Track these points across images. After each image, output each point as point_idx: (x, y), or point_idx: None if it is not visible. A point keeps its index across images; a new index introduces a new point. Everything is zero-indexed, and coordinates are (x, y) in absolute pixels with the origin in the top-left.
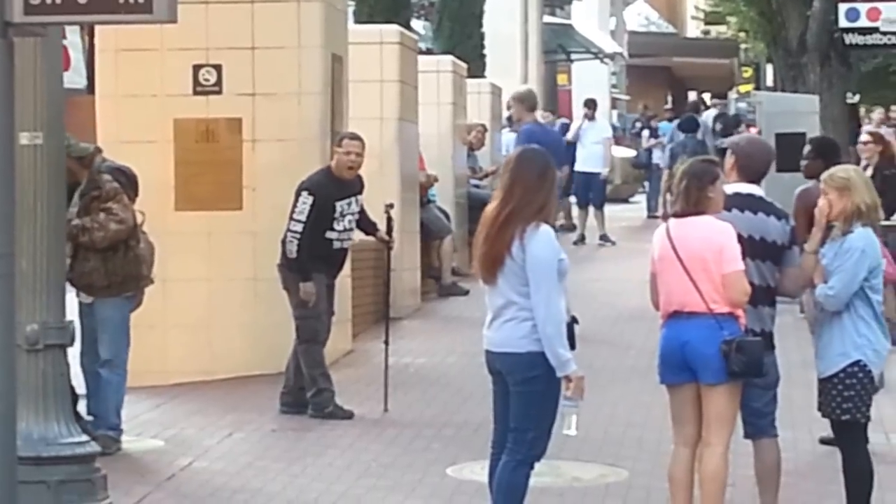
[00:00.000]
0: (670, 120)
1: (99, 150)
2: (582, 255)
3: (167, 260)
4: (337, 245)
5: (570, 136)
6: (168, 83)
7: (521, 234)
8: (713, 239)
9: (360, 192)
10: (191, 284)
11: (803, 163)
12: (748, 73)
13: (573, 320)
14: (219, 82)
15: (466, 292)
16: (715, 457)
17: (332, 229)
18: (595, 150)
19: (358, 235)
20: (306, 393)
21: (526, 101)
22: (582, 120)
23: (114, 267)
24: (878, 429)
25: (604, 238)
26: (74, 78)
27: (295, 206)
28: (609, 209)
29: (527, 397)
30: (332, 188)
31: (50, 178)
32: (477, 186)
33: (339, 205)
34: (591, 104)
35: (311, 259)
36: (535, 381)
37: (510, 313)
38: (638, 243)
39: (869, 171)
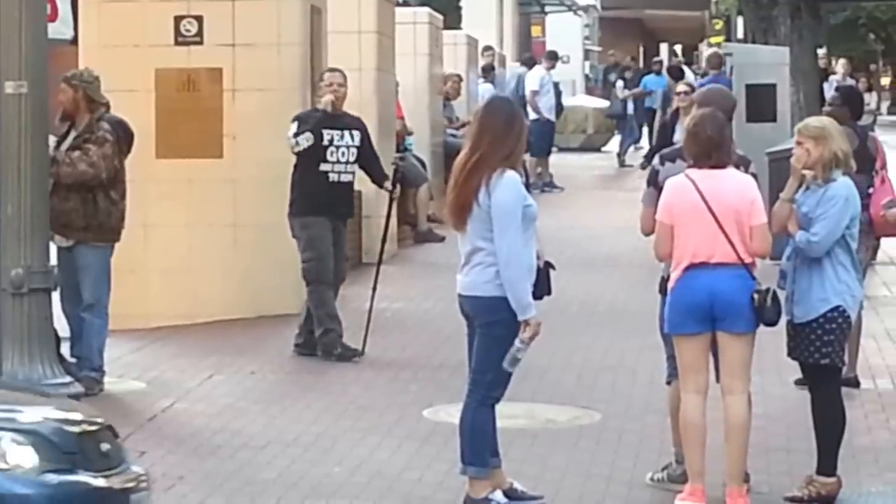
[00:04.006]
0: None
1: (108, 107)
2: (553, 202)
3: (149, 206)
4: (333, 178)
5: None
6: (150, 34)
7: (487, 181)
8: (746, 192)
9: (357, 129)
10: (172, 230)
11: (827, 109)
12: (719, 25)
13: (549, 266)
14: (200, 33)
15: (442, 239)
16: (742, 404)
17: (325, 161)
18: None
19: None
20: (315, 334)
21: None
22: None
23: (93, 210)
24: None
25: (549, 185)
26: (62, 29)
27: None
28: (582, 158)
29: (488, 340)
30: (317, 116)
31: (34, 126)
32: (453, 136)
33: (327, 133)
34: (528, 61)
35: (307, 198)
36: (497, 325)
37: (477, 259)
38: (609, 191)
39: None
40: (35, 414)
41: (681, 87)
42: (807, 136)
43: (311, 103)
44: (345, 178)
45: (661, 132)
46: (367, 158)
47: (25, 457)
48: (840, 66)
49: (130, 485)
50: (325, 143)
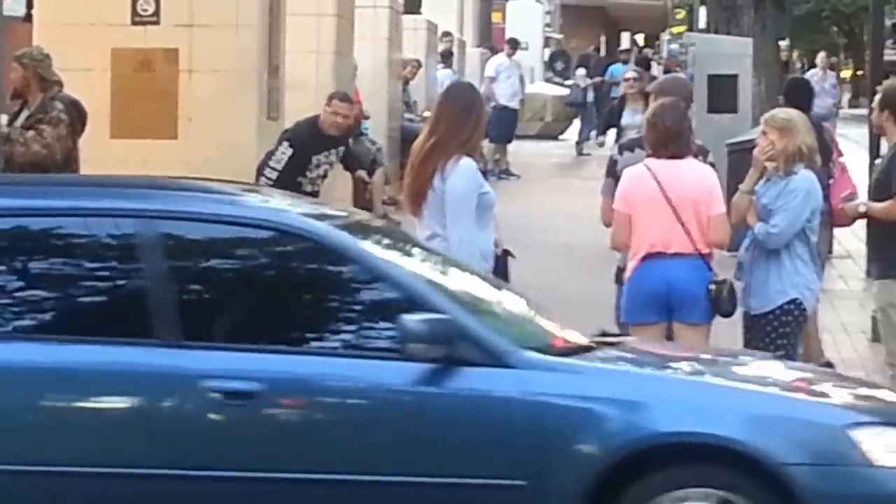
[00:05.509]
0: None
1: (60, 85)
2: (509, 190)
3: None
4: (307, 188)
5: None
6: (106, 13)
7: (443, 167)
8: (705, 182)
9: (343, 144)
10: None
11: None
12: (681, 14)
13: (507, 253)
14: (157, 13)
15: (397, 225)
16: None
17: (305, 177)
18: None
19: None
20: None
21: None
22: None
23: None
24: None
25: (506, 172)
26: (13, 6)
27: (274, 152)
28: (539, 146)
29: None
30: (313, 142)
31: None
32: (410, 120)
33: (315, 157)
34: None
35: None
36: None
37: (435, 244)
38: (566, 179)
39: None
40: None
41: (629, 74)
42: (773, 126)
43: (269, 86)
44: (317, 188)
45: (608, 117)
46: (347, 154)
47: None
48: (819, 59)
49: None
50: (312, 165)
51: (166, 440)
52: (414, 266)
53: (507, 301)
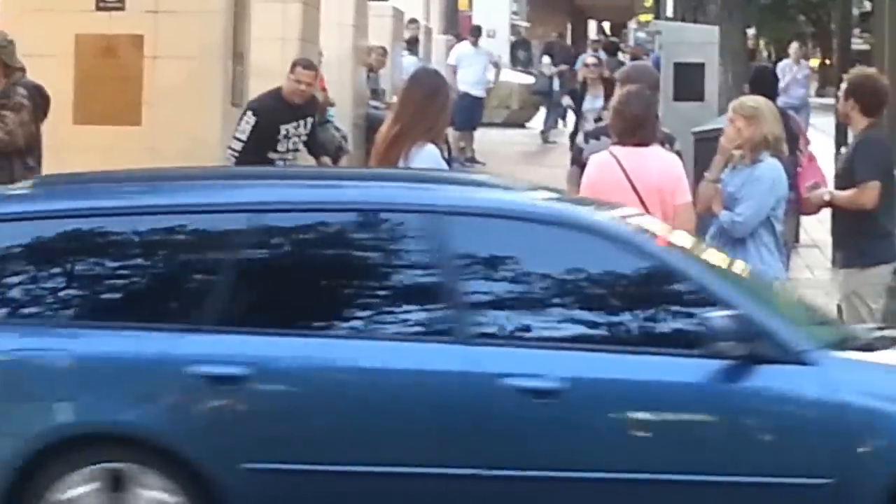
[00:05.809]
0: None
1: (24, 70)
2: None
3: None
4: (279, 164)
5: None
6: None
7: (407, 154)
8: (671, 170)
9: (311, 115)
10: None
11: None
12: (648, 2)
13: None
14: None
15: None
16: None
17: (275, 150)
18: None
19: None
20: None
21: None
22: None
23: (9, 177)
24: None
25: (471, 160)
26: None
27: (238, 123)
28: (504, 133)
29: None
30: (278, 111)
31: None
32: (375, 108)
33: (283, 127)
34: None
35: None
36: None
37: None
38: (531, 167)
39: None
40: None
41: (589, 60)
42: (740, 114)
43: (234, 73)
44: (289, 162)
45: (571, 98)
46: (312, 138)
47: None
48: (792, 49)
49: None
50: (281, 136)
51: (466, 439)
52: (704, 262)
53: (797, 297)
